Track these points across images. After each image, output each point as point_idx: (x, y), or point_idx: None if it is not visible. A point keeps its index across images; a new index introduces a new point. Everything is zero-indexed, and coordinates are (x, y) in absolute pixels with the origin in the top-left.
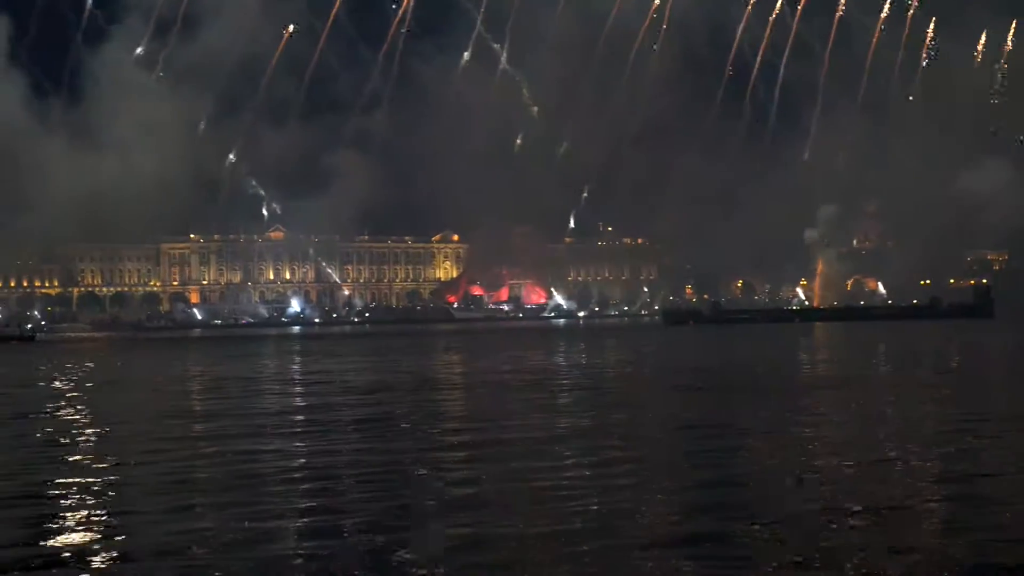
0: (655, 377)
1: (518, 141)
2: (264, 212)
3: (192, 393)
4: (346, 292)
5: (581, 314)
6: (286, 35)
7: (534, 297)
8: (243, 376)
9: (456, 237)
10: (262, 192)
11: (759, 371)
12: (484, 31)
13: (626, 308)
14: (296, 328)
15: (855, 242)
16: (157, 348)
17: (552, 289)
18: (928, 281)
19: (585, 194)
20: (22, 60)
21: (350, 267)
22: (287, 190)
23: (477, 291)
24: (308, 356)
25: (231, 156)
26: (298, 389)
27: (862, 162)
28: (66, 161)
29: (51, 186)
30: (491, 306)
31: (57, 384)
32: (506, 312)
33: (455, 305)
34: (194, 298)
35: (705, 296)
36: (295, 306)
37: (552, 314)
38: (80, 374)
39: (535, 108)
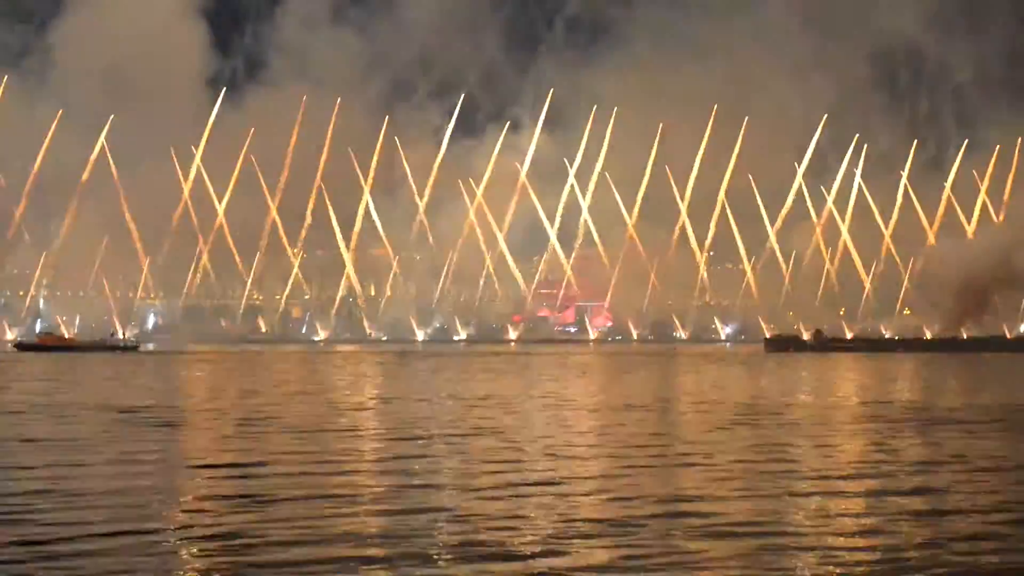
0: None
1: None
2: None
3: None
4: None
5: (681, 336)
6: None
7: (600, 320)
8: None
9: None
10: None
11: None
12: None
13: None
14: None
15: None
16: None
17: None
18: None
19: (710, 253)
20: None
21: None
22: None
23: (542, 312)
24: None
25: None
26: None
27: None
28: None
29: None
30: (557, 328)
31: None
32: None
33: (518, 326)
34: (296, 313)
35: (799, 325)
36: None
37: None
38: None
39: None
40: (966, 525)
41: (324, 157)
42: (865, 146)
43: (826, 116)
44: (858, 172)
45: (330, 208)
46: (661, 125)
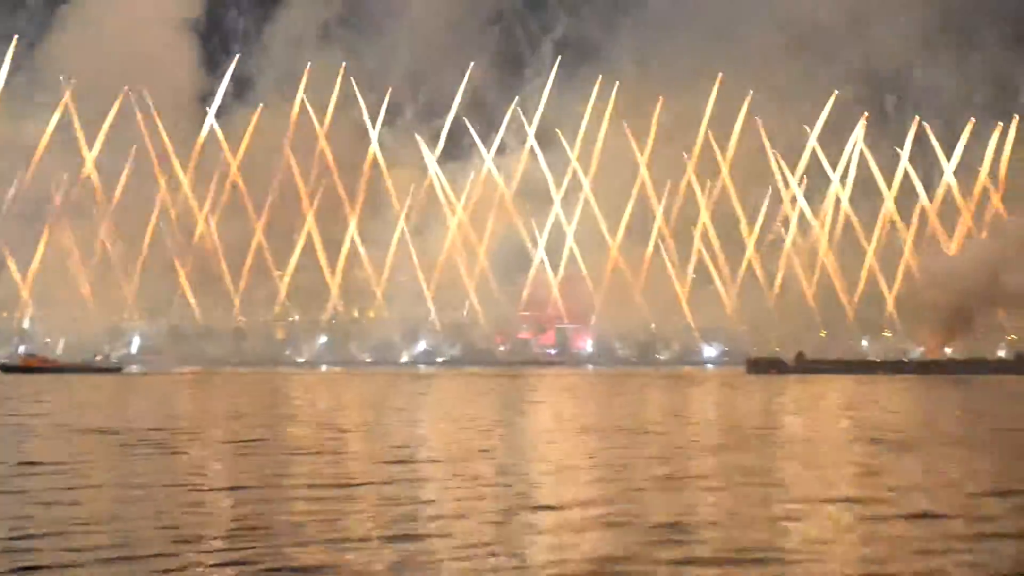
0: None
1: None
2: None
3: None
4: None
5: (661, 357)
6: None
7: (580, 342)
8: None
9: None
10: None
11: None
12: None
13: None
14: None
15: None
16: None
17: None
18: (1014, 336)
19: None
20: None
21: None
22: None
23: (522, 334)
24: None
25: None
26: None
27: None
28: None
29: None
30: (537, 350)
31: None
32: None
33: (500, 348)
34: (280, 334)
35: (777, 349)
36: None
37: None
38: None
39: None
40: (963, 550)
41: (313, 178)
42: (853, 168)
43: (813, 139)
44: (845, 194)
45: (315, 231)
46: (651, 141)
